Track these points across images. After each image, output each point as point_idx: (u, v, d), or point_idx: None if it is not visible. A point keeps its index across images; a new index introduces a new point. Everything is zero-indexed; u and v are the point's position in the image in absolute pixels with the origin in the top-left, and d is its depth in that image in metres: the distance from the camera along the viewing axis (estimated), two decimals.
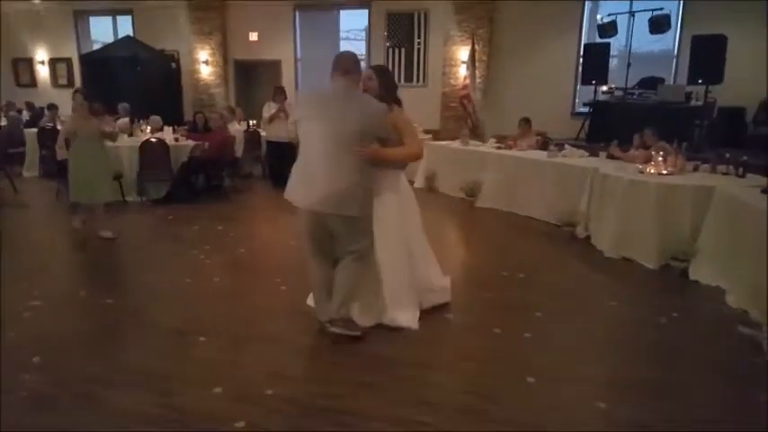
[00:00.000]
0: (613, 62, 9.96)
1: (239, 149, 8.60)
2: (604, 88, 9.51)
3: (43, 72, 13.79)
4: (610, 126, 8.53)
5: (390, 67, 11.93)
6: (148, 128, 7.96)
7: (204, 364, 3.13)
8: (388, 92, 3.35)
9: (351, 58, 3.39)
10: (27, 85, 13.85)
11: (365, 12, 12.01)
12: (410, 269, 3.55)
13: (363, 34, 12.31)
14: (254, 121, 9.70)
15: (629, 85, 9.27)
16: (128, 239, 5.73)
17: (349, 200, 3.11)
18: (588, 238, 5.68)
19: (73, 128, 5.63)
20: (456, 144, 8.57)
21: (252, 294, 4.23)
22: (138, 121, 8.48)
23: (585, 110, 9.92)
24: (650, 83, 9.14)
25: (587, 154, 6.85)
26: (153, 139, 7.27)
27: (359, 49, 12.37)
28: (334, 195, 3.09)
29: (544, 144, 7.76)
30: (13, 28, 13.51)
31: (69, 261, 5.19)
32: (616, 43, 9.86)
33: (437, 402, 2.76)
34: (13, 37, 13.58)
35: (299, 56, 12.51)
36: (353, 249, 3.27)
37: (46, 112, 10.50)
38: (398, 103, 3.44)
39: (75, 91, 5.95)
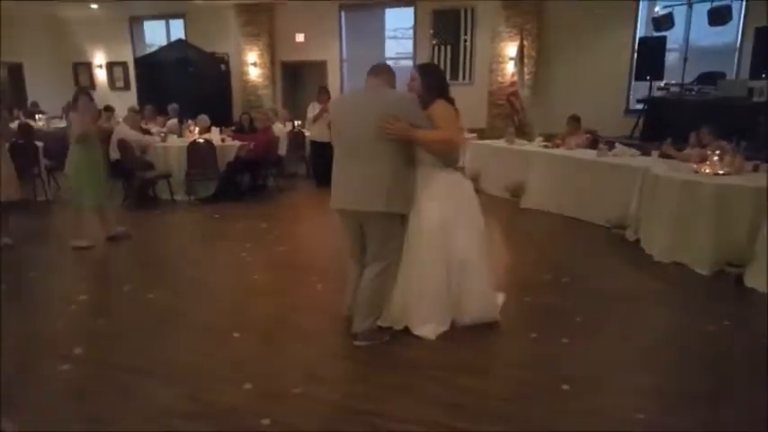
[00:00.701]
0: (671, 57, 9.50)
1: (283, 149, 8.70)
2: (660, 84, 9.07)
3: (101, 76, 14.42)
4: (666, 124, 8.15)
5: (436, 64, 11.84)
6: (197, 128, 8.16)
7: (236, 360, 3.15)
8: (429, 91, 3.23)
9: (384, 64, 3.48)
10: (86, 88, 14.48)
11: (411, 10, 11.94)
12: (443, 285, 3.33)
13: (410, 32, 12.25)
14: (299, 122, 9.80)
15: (688, 81, 8.82)
16: (173, 237, 5.89)
17: (380, 196, 3.08)
18: (638, 241, 5.42)
19: (83, 130, 5.17)
20: (501, 143, 8.38)
21: (289, 292, 4.24)
22: (187, 121, 8.71)
23: (640, 107, 9.51)
24: (710, 78, 8.67)
25: (639, 153, 6.55)
26: (200, 140, 7.45)
27: (405, 47, 12.33)
28: (365, 192, 3.09)
29: (594, 143, 7.46)
30: (72, 33, 14.19)
31: (116, 256, 5.35)
32: (673, 37, 9.41)
33: (468, 406, 2.68)
34: (72, 42, 14.27)
35: (344, 56, 12.57)
36: (381, 257, 3.21)
37: (102, 113, 10.95)
38: (448, 100, 3.28)
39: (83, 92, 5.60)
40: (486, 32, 11.24)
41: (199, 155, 7.35)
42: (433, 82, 3.28)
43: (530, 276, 4.65)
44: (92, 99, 5.63)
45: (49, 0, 11.94)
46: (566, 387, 2.84)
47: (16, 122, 10.28)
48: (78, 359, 3.13)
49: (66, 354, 3.16)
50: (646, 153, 6.49)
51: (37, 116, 11.43)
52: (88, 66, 14.52)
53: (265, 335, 3.47)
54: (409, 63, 12.05)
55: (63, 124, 10.90)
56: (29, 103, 12.90)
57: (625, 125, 9.79)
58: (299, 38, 12.60)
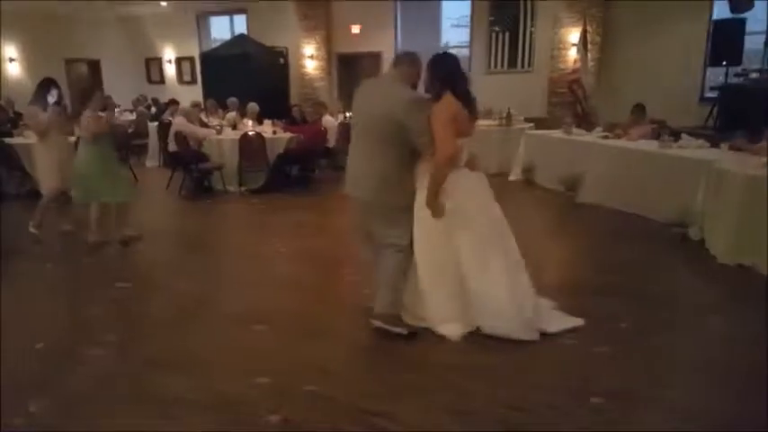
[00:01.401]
0: (754, 40, 8.71)
1: (332, 141, 8.72)
2: (738, 70, 8.33)
3: (170, 70, 15.05)
4: (743, 113, 7.47)
5: (493, 53, 11.51)
6: (249, 121, 8.31)
7: (256, 352, 3.15)
8: (433, 84, 3.08)
9: (406, 53, 3.31)
10: (157, 82, 15.20)
11: None
12: (455, 281, 3.18)
13: (467, 21, 11.95)
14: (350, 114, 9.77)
15: None
16: (216, 227, 6.03)
17: (383, 188, 3.10)
18: (703, 241, 4.98)
19: (98, 129, 4.97)
20: (558, 133, 7.99)
21: (318, 286, 4.22)
22: (234, 113, 8.90)
23: (714, 95, 8.80)
24: None
25: (708, 145, 6.02)
26: (251, 133, 7.57)
27: (463, 36, 12.04)
28: (369, 182, 3.12)
29: (660, 133, 6.97)
30: (144, 31, 14.89)
31: (162, 245, 5.51)
32: (754, 18, 8.60)
33: (478, 413, 2.54)
34: (144, 38, 14.97)
35: (399, 47, 12.44)
36: (391, 243, 3.18)
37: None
38: (460, 93, 3.05)
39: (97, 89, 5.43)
40: (547, 18, 10.78)
41: (250, 147, 7.48)
42: (438, 74, 3.07)
43: (576, 277, 4.39)
44: (104, 95, 5.59)
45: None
46: (596, 400, 2.62)
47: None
48: (110, 345, 3.23)
49: (99, 339, 3.27)
50: (714, 145, 5.96)
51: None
52: (159, 61, 15.20)
53: (287, 328, 3.44)
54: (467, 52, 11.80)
55: (132, 117, 11.49)
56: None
57: (700, 114, 9.10)
58: (355, 30, 12.58)
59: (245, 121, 8.36)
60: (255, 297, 3.99)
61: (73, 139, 5.42)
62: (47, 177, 5.20)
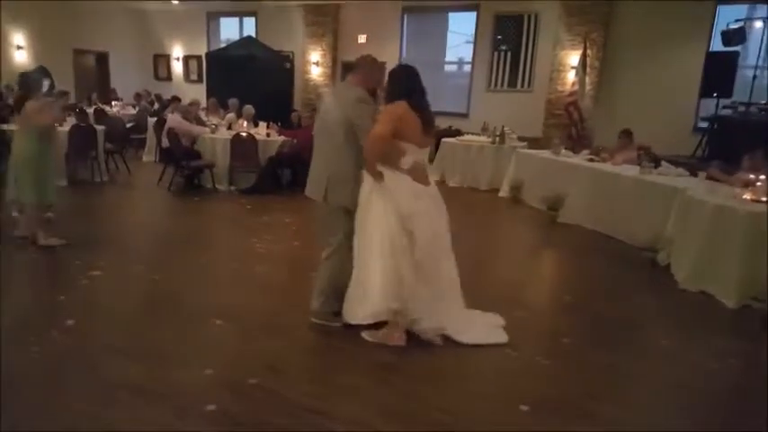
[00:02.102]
0: (747, 74, 8.78)
1: None
2: (728, 102, 8.42)
3: (178, 68, 15.26)
4: (730, 144, 7.53)
5: (495, 71, 11.63)
6: (244, 123, 8.45)
7: (209, 345, 3.25)
8: (390, 94, 3.20)
9: (364, 58, 3.48)
10: (164, 78, 15.41)
11: (473, 14, 11.78)
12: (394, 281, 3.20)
13: (472, 37, 12.09)
14: None
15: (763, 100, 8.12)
16: (200, 223, 6.15)
17: (332, 189, 3.27)
18: (669, 266, 5.06)
19: (47, 121, 4.81)
20: (546, 153, 8.09)
21: (285, 285, 4.32)
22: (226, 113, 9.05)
23: (706, 125, 8.88)
24: None
25: (687, 173, 6.11)
26: (243, 134, 7.71)
27: (467, 52, 12.17)
28: (321, 183, 3.31)
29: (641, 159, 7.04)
30: (154, 27, 15.12)
31: (141, 238, 5.64)
32: (751, 52, 8.69)
33: (412, 415, 2.62)
34: (154, 35, 15.20)
35: (404, 59, 12.59)
36: (331, 242, 3.38)
37: None
38: (415, 104, 3.11)
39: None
40: (549, 39, 10.91)
41: (241, 147, 7.61)
42: (395, 87, 3.21)
43: (535, 293, 4.49)
44: (53, 84, 5.26)
45: None
46: (524, 408, 2.71)
47: (93, 108, 11.15)
48: (67, 329, 3.33)
49: (59, 324, 3.38)
50: (693, 174, 6.04)
51: (113, 102, 12.29)
52: (167, 58, 15.42)
53: (245, 324, 3.54)
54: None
55: (133, 111, 11.68)
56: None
57: (692, 144, 9.16)
58: (362, 39, 12.74)
59: (240, 121, 8.50)
60: (222, 293, 4.09)
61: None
62: None
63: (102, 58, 14.52)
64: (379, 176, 3.12)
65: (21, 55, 12.17)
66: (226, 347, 3.24)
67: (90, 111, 10.56)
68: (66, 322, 3.40)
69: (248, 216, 6.62)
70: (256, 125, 8.61)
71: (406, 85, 3.17)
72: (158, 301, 3.88)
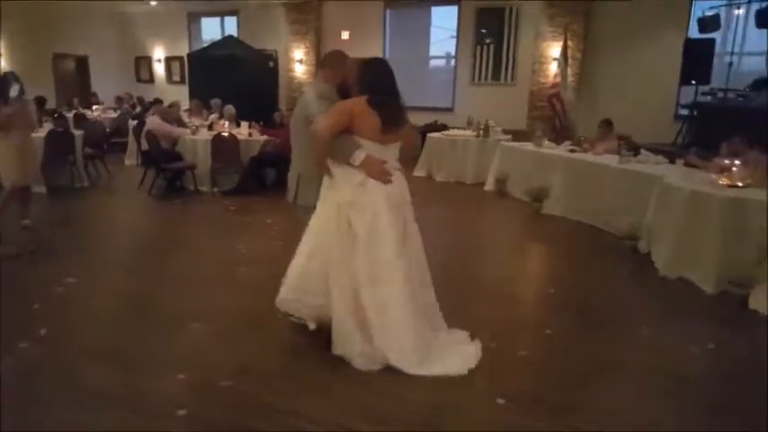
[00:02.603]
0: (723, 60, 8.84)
1: None
2: (706, 89, 8.46)
3: (160, 69, 15.12)
4: (709, 131, 7.56)
5: (478, 65, 11.62)
6: (226, 123, 8.39)
7: (184, 349, 3.21)
8: (355, 88, 3.14)
9: (330, 53, 3.52)
10: (146, 81, 15.27)
11: (455, 8, 11.76)
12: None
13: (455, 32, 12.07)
14: None
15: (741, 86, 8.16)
16: (180, 226, 6.10)
17: (299, 187, 3.43)
18: (650, 254, 5.08)
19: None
20: (529, 146, 8.09)
21: (265, 286, 4.21)
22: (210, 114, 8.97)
23: (686, 113, 8.92)
24: (766, 84, 7.98)
25: (666, 161, 6.14)
26: (224, 134, 7.65)
27: (449, 46, 12.14)
28: (291, 182, 3.52)
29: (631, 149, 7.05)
30: (135, 29, 14.97)
31: (119, 243, 5.56)
32: (728, 39, 8.74)
33: (388, 416, 2.60)
34: (133, 37, 15.04)
35: (387, 54, 12.56)
36: None
37: None
38: (371, 101, 2.97)
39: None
40: (530, 32, 10.92)
41: (223, 148, 7.55)
42: (358, 82, 3.09)
43: (517, 285, 4.48)
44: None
45: None
46: (500, 401, 2.70)
47: (73, 112, 11.02)
48: (40, 339, 3.28)
49: (32, 333, 3.33)
50: (672, 161, 6.07)
51: (93, 106, 12.16)
52: (148, 60, 15.27)
53: (221, 327, 3.50)
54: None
55: (114, 115, 11.57)
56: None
57: (674, 132, 9.21)
58: (344, 35, 12.70)
59: (221, 122, 8.43)
60: (200, 296, 4.05)
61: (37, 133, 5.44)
62: (7, 172, 5.23)
63: (82, 62, 14.37)
64: (326, 170, 3.08)
65: None
66: (200, 351, 3.20)
67: (70, 116, 10.47)
68: (40, 331, 3.35)
69: (230, 217, 6.57)
70: (238, 125, 8.54)
71: (369, 80, 3.07)
72: (134, 307, 3.84)
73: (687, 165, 5.67)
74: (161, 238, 5.76)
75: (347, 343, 3.01)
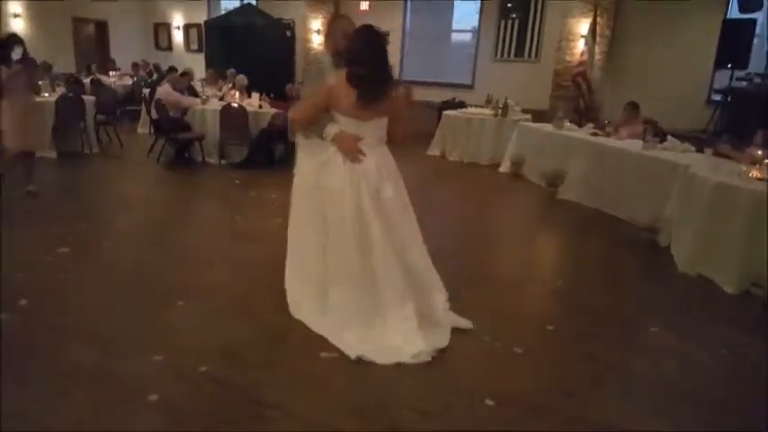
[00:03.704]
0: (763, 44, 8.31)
1: None
2: (743, 74, 7.98)
3: (178, 37, 14.93)
4: (746, 119, 7.14)
5: (501, 40, 11.21)
6: (236, 93, 8.20)
7: (165, 329, 3.07)
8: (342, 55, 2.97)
9: (329, 22, 3.44)
10: (164, 48, 15.11)
11: None
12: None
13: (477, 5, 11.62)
14: None
15: None
16: (184, 198, 5.96)
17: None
18: (669, 248, 4.80)
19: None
20: (549, 127, 7.76)
21: (262, 265, 4.11)
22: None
23: (719, 98, 8.45)
24: None
25: (693, 149, 5.78)
26: (234, 104, 7.46)
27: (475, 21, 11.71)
28: None
29: (657, 134, 6.68)
30: None
31: (119, 212, 5.44)
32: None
33: (371, 413, 2.43)
34: (153, 3, 14.84)
35: (407, 27, 12.18)
36: None
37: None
38: (349, 74, 2.81)
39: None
40: (557, 7, 10.42)
41: (231, 119, 7.37)
42: (344, 54, 2.91)
43: (524, 275, 4.24)
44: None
45: None
46: (489, 402, 2.52)
47: (90, 78, 10.94)
48: (21, 309, 3.18)
49: (14, 304, 3.23)
50: (700, 150, 5.71)
51: (110, 72, 12.06)
52: (167, 27, 15.08)
53: (208, 307, 3.36)
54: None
55: (130, 82, 11.46)
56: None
57: (706, 118, 8.76)
58: (363, 6, 12.32)
59: (231, 92, 8.24)
60: (191, 272, 3.91)
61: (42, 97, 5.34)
62: (9, 136, 5.14)
63: (102, 27, 14.24)
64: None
65: (18, 23, 11.92)
66: (182, 331, 3.06)
67: (87, 81, 10.39)
68: (20, 302, 3.25)
69: (235, 191, 6.42)
70: (249, 96, 8.34)
71: (351, 51, 2.86)
72: (122, 281, 3.71)
73: (716, 154, 5.32)
74: (162, 209, 5.64)
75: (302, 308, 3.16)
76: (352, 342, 2.88)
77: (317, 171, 2.98)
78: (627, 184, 5.74)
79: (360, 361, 2.79)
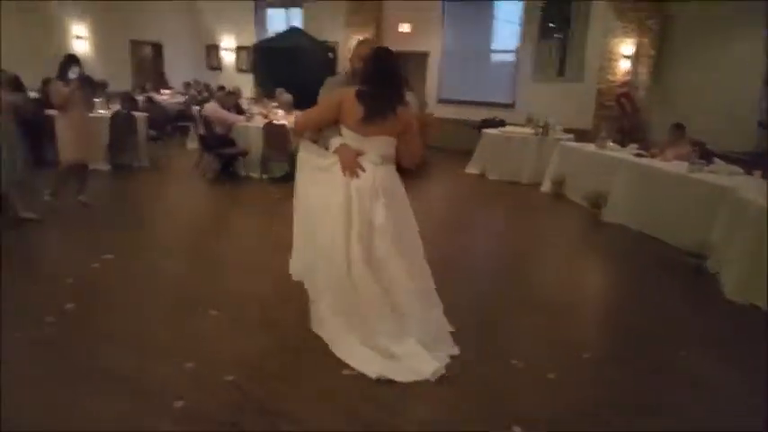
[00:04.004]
0: None
1: None
2: None
3: (228, 58, 15.49)
4: None
5: (543, 60, 11.16)
6: (279, 111, 8.42)
7: (198, 337, 3.15)
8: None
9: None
10: (215, 68, 15.68)
11: (521, 2, 11.30)
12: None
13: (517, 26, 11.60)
14: None
15: None
16: (222, 210, 6.14)
17: None
18: (717, 274, 4.60)
19: None
20: (591, 147, 7.63)
21: (290, 281, 4.17)
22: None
23: None
24: None
25: (741, 171, 5.56)
26: (275, 122, 7.67)
27: (512, 41, 11.67)
28: None
29: (703, 155, 6.46)
30: (204, 17, 15.39)
31: (162, 223, 5.66)
32: None
33: (376, 424, 2.43)
34: (204, 26, 15.47)
35: (445, 47, 12.27)
36: None
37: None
38: (358, 91, 2.93)
39: None
40: (600, 27, 10.28)
41: (273, 135, 7.57)
42: (360, 70, 3.08)
43: (558, 298, 4.13)
44: None
45: None
46: (516, 429, 2.46)
47: (143, 96, 11.47)
48: (65, 313, 3.33)
49: (61, 307, 3.38)
50: (750, 173, 5.49)
51: (163, 91, 12.60)
52: (218, 48, 15.67)
53: (240, 317, 3.43)
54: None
55: (181, 99, 11.93)
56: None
57: (756, 140, 8.42)
58: (403, 28, 12.50)
59: (274, 109, 8.47)
60: (226, 282, 4.01)
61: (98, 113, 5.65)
62: (65, 149, 5.44)
63: (157, 49, 14.92)
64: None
65: (80, 45, 12.64)
66: (213, 340, 3.12)
67: (140, 99, 10.88)
68: (66, 306, 3.41)
69: (273, 205, 6.55)
70: (290, 110, 8.54)
71: (363, 71, 3.02)
72: (160, 288, 3.84)
73: (766, 176, 5.10)
74: (203, 220, 5.83)
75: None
76: (367, 360, 2.89)
77: (315, 175, 3.10)
78: (672, 206, 5.56)
79: (380, 380, 2.78)
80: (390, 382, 2.77)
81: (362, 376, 2.81)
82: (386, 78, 2.93)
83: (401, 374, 2.79)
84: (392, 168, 3.10)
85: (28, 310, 3.35)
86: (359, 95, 2.91)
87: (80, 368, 2.77)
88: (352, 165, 2.96)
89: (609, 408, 2.69)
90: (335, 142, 2.99)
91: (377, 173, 2.98)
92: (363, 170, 2.97)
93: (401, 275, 2.98)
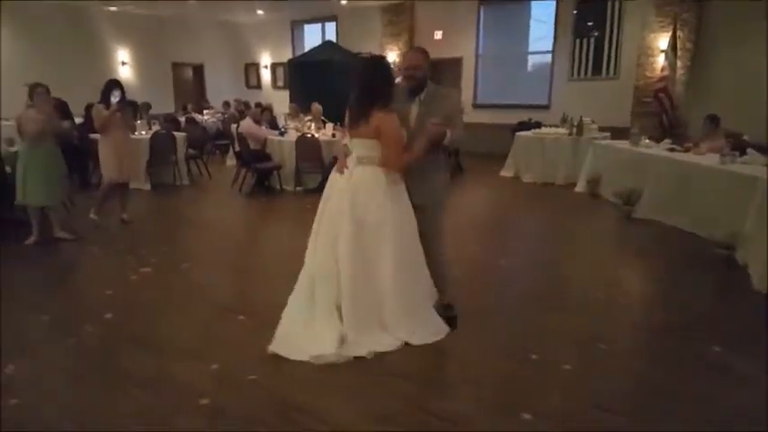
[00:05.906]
0: None
1: None
2: None
3: (266, 75, 15.99)
4: None
5: (577, 59, 11.01)
6: (312, 124, 8.66)
7: (224, 340, 3.34)
8: None
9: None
10: (254, 86, 16.22)
11: (552, 3, 11.21)
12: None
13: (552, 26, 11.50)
14: None
15: None
16: (257, 223, 6.38)
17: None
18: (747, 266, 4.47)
19: (40, 127, 4.94)
20: (624, 144, 7.50)
21: None
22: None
23: None
24: None
25: None
26: (308, 135, 7.90)
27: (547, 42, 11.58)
28: None
29: (736, 148, 6.28)
30: (243, 37, 15.96)
31: (199, 237, 5.92)
32: None
33: (400, 421, 2.51)
34: (243, 45, 16.04)
35: (480, 52, 12.28)
36: None
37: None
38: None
39: (37, 85, 5.08)
40: (635, 22, 10.09)
41: (305, 148, 7.79)
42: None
43: (584, 292, 4.12)
44: (48, 92, 5.11)
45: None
46: (526, 416, 2.52)
47: (185, 116, 11.99)
48: (104, 322, 3.58)
49: (100, 317, 3.64)
50: None
51: (204, 111, 13.14)
52: (256, 66, 16.21)
53: (265, 320, 3.55)
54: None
55: (221, 118, 12.40)
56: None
57: None
58: (437, 35, 12.60)
59: (307, 123, 8.72)
60: (256, 290, 4.22)
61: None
62: (107, 169, 5.81)
63: (198, 70, 15.59)
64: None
65: (125, 70, 13.38)
66: (238, 343, 3.30)
67: (182, 119, 11.39)
68: (105, 315, 3.66)
69: (306, 216, 6.67)
70: (325, 126, 8.78)
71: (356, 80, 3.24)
72: (193, 297, 4.06)
73: None
74: (237, 233, 6.08)
75: None
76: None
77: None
78: (704, 199, 5.43)
79: (395, 372, 2.89)
80: (406, 374, 2.87)
81: (388, 374, 2.91)
82: (360, 85, 3.17)
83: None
84: (372, 168, 3.20)
85: (71, 320, 3.61)
86: (350, 101, 3.19)
87: (114, 370, 2.98)
88: (339, 162, 3.36)
89: (620, 398, 2.69)
90: (341, 142, 3.43)
91: (354, 171, 3.22)
92: (346, 167, 3.27)
93: (347, 267, 3.29)
